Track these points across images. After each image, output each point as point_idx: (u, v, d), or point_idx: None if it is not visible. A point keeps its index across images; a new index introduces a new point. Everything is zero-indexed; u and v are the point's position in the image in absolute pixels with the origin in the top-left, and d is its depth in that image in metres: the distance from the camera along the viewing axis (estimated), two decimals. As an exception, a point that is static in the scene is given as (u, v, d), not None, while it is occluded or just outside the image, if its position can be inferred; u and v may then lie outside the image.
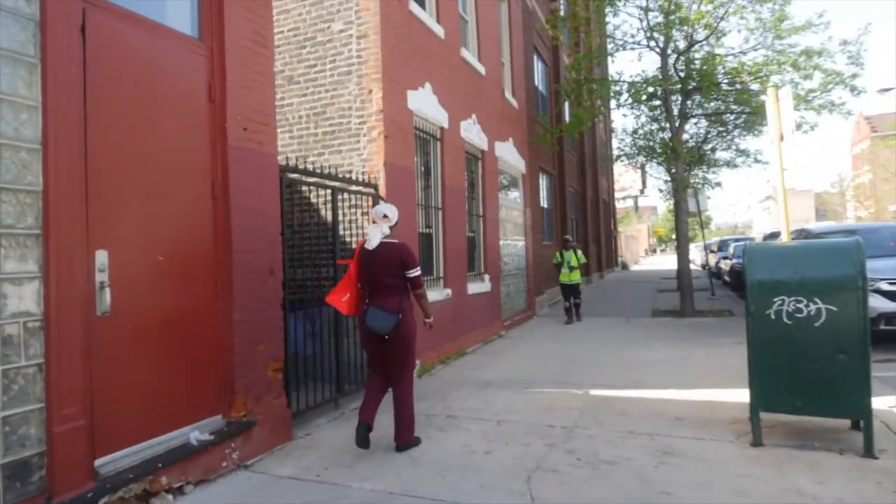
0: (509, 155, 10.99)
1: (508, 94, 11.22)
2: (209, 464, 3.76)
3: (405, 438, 4.24)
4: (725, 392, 5.58)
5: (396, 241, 4.30)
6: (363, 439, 4.09)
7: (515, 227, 11.57)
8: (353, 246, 6.32)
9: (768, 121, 5.63)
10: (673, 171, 12.85)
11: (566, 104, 15.76)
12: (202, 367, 3.92)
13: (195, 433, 3.76)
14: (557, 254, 11.49)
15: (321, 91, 6.60)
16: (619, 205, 50.86)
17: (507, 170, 11.22)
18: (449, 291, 7.78)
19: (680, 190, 12.20)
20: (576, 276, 11.14)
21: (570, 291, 11.15)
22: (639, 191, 52.13)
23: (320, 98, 6.61)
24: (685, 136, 14.70)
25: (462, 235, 8.45)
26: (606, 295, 17.52)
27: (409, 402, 4.27)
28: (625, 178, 48.35)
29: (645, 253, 65.44)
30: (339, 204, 6.27)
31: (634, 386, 6.00)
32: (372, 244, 4.17)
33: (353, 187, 5.99)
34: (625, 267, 35.90)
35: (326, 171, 5.58)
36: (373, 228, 4.26)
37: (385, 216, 4.27)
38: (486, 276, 9.48)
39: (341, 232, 6.39)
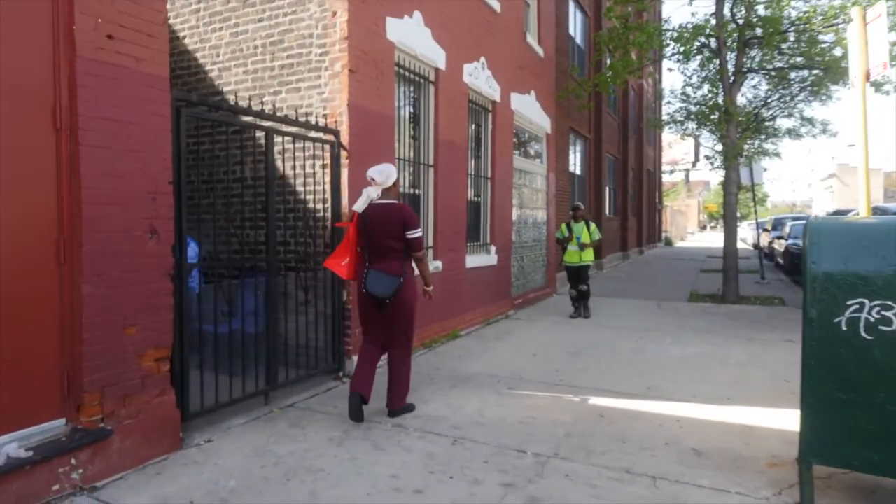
0: (530, 110, 9.58)
1: (532, 40, 9.74)
2: (28, 488, 2.77)
3: (396, 403, 4.14)
4: (766, 412, 4.27)
5: (395, 201, 4.09)
6: (356, 410, 3.97)
7: (535, 194, 10.22)
8: (307, 205, 5.20)
9: (851, 52, 4.14)
10: (724, 135, 11.15)
11: (607, 59, 14.07)
12: (35, 356, 2.90)
13: (11, 446, 2.77)
14: (563, 226, 8.70)
15: (279, 14, 5.41)
16: (668, 178, 48.27)
17: (527, 127, 9.83)
18: (439, 264, 6.60)
19: (731, 158, 10.55)
20: (588, 257, 8.48)
21: (578, 276, 8.51)
22: (690, 163, 49.35)
23: (278, 23, 5.42)
24: (741, 100, 12.89)
25: (461, 199, 7.21)
26: (642, 273, 16.00)
27: (405, 367, 4.16)
28: (676, 149, 45.68)
29: (697, 229, 62.38)
30: (287, 152, 5.16)
31: (648, 395, 4.74)
32: (358, 206, 4.05)
33: (300, 131, 4.84)
34: (669, 243, 33.85)
35: (261, 108, 4.43)
36: (366, 191, 4.09)
37: (373, 179, 4.06)
38: (493, 248, 8.25)
39: (297, 187, 5.28)
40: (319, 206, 5.18)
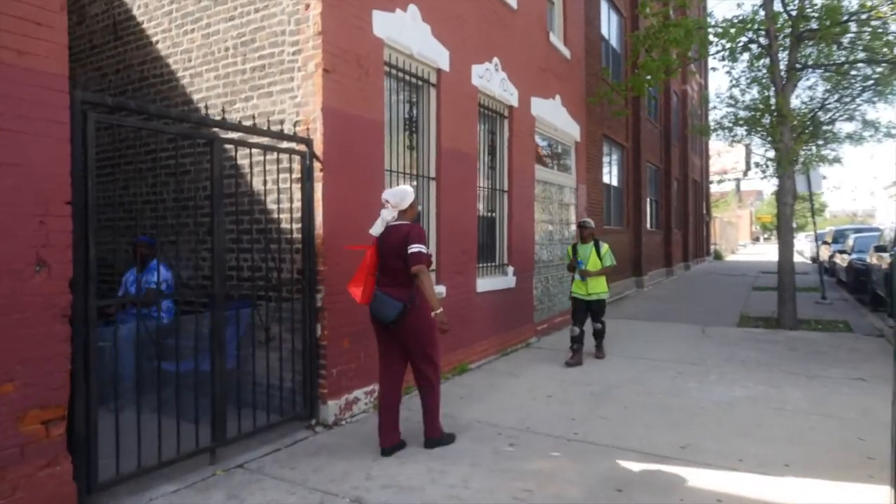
0: (554, 116, 8.73)
1: (556, 40, 8.91)
2: None
3: (431, 433, 4.05)
4: (838, 489, 3.29)
5: (407, 222, 3.90)
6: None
7: (562, 209, 9.33)
8: (279, 225, 4.54)
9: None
10: (776, 139, 10.00)
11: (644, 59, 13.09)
12: None
13: None
14: (569, 249, 7.01)
15: (250, 11, 4.79)
16: (717, 188, 46.16)
17: (552, 135, 8.98)
18: (442, 289, 5.82)
19: (785, 165, 9.41)
20: (598, 288, 6.75)
21: (586, 311, 6.75)
22: (741, 172, 47.01)
23: (250, 20, 4.80)
24: (795, 102, 11.71)
25: (470, 215, 6.42)
26: (686, 291, 14.76)
27: (432, 396, 4.03)
28: (726, 158, 43.63)
29: (749, 241, 59.51)
30: (258, 165, 4.53)
31: (683, 458, 3.81)
32: (374, 230, 3.94)
33: (263, 140, 4.18)
34: (718, 257, 32.01)
35: (214, 116, 3.79)
36: (382, 214, 3.93)
37: (387, 201, 3.90)
38: (510, 269, 7.40)
39: (269, 204, 4.62)
40: (291, 225, 4.50)
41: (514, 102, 7.40)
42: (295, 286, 4.39)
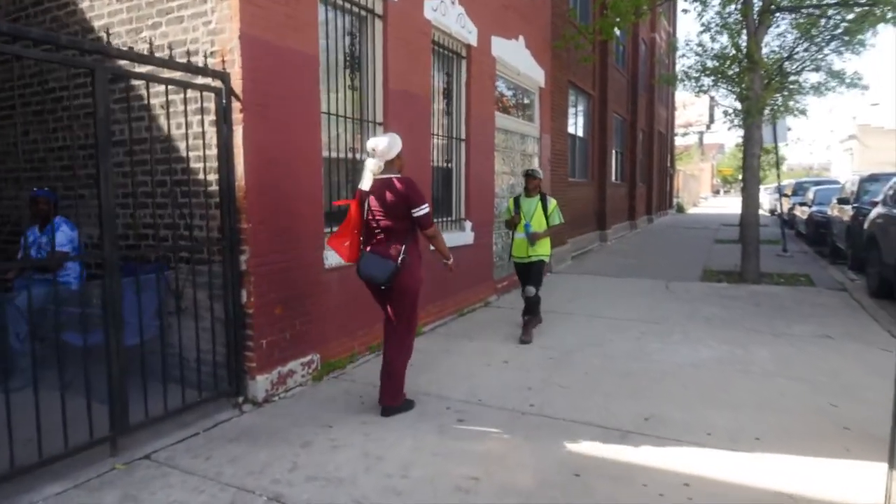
0: (517, 58, 8.11)
1: (520, -26, 8.20)
2: None
3: (389, 400, 3.77)
4: (813, 465, 3.00)
5: (397, 175, 3.67)
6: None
7: (524, 159, 8.82)
8: (194, 176, 3.93)
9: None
10: (745, 87, 9.62)
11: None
12: None
13: None
14: (510, 202, 5.96)
15: (153, -82, 4.01)
16: (680, 141, 46.29)
17: (514, 79, 8.37)
18: (391, 247, 5.30)
19: (753, 113, 9.05)
20: (541, 250, 5.74)
21: (527, 276, 5.82)
22: (705, 125, 47.09)
23: (152, -70, 4.02)
24: (763, 51, 11.32)
25: (422, 165, 5.86)
26: (650, 245, 14.61)
27: (403, 358, 3.80)
28: (690, 110, 43.56)
29: (710, 194, 60.38)
30: (172, 106, 3.88)
31: (646, 431, 3.48)
32: (364, 183, 3.66)
33: (163, 73, 3.52)
34: (681, 209, 32.25)
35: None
36: (366, 164, 3.67)
37: (373, 150, 3.64)
38: (468, 224, 6.92)
39: (185, 152, 3.99)
40: (207, 176, 3.88)
41: (473, 41, 6.75)
42: (215, 247, 3.82)
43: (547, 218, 5.75)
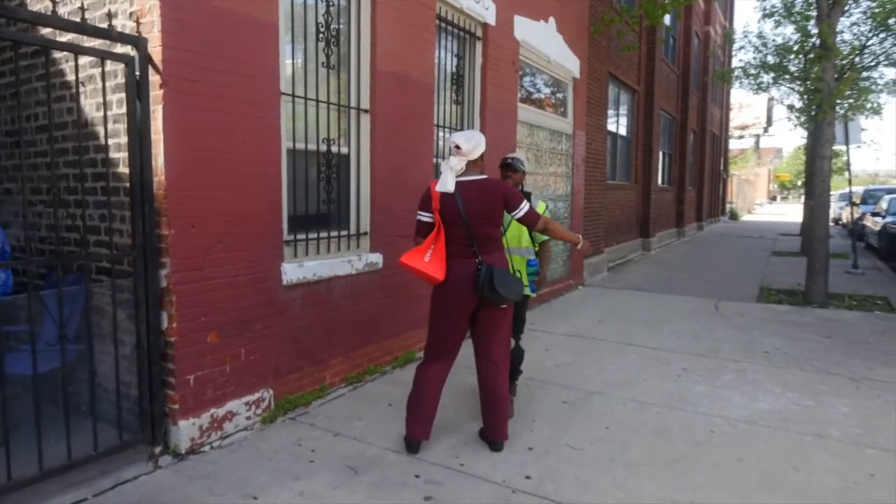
0: (546, 43, 7.12)
1: (552, -54, 7.20)
2: None
3: (504, 431, 3.29)
4: None
5: (485, 176, 3.18)
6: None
7: (553, 158, 7.81)
8: (113, 168, 3.15)
9: None
10: (815, 78, 8.34)
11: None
12: None
13: None
14: None
15: None
16: (736, 144, 43.96)
17: (542, 67, 7.38)
18: (376, 258, 4.44)
19: (825, 107, 7.77)
20: (525, 280, 3.60)
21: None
22: (762, 128, 44.49)
23: None
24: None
25: (423, 163, 4.96)
26: (698, 255, 13.27)
27: (507, 387, 3.29)
28: (746, 113, 41.28)
29: (766, 201, 57.30)
30: (91, 82, 3.08)
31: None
32: (445, 186, 3.06)
33: (59, 36, 2.74)
34: (734, 216, 30.28)
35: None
36: (444, 165, 3.11)
37: (457, 147, 3.09)
38: (481, 231, 5.97)
39: (105, 137, 3.22)
40: (125, 169, 3.09)
41: (490, 19, 5.80)
42: (127, 257, 3.02)
43: (532, 230, 3.41)
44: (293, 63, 3.76)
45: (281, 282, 3.65)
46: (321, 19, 3.99)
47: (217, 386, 3.31)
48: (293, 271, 3.69)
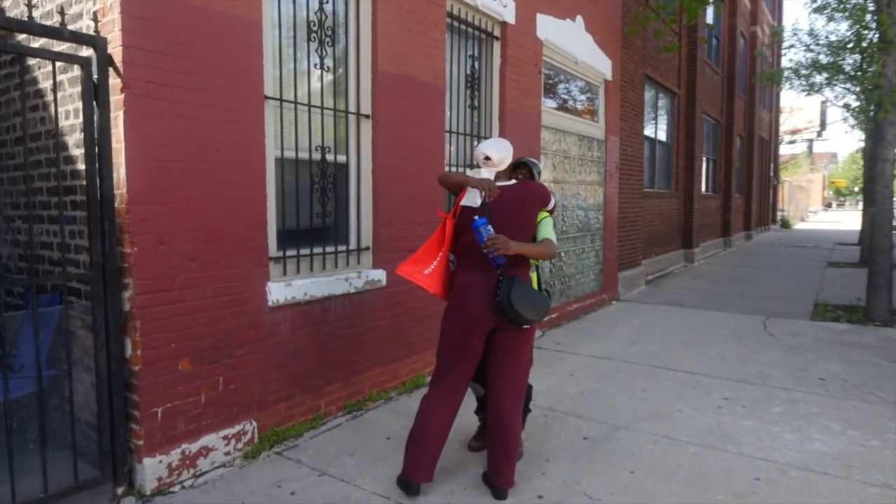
0: (572, 43, 6.68)
1: (578, -59, 6.78)
2: None
3: (510, 478, 2.85)
4: None
5: (526, 181, 2.96)
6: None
7: (583, 165, 7.33)
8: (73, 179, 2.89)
9: None
10: (875, 74, 7.62)
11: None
12: None
13: None
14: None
15: None
16: (786, 149, 42.18)
17: (570, 69, 6.93)
18: (378, 275, 4.09)
19: (887, 105, 7.05)
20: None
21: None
22: (815, 132, 42.44)
23: None
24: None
25: (434, 169, 4.59)
26: (746, 267, 12.44)
27: (519, 427, 2.87)
28: (797, 117, 39.54)
29: (821, 208, 54.69)
30: (63, 87, 2.88)
31: None
32: (474, 201, 2.75)
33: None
34: (786, 225, 28.82)
35: None
36: (479, 174, 2.85)
37: (487, 158, 2.83)
38: (501, 244, 5.55)
39: (71, 148, 2.99)
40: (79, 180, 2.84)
41: (509, 17, 5.42)
42: (89, 276, 2.75)
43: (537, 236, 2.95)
44: (280, 64, 3.46)
45: (266, 302, 3.33)
46: (313, 17, 3.69)
47: (190, 418, 3.00)
48: (280, 291, 3.37)
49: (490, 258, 2.64)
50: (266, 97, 3.32)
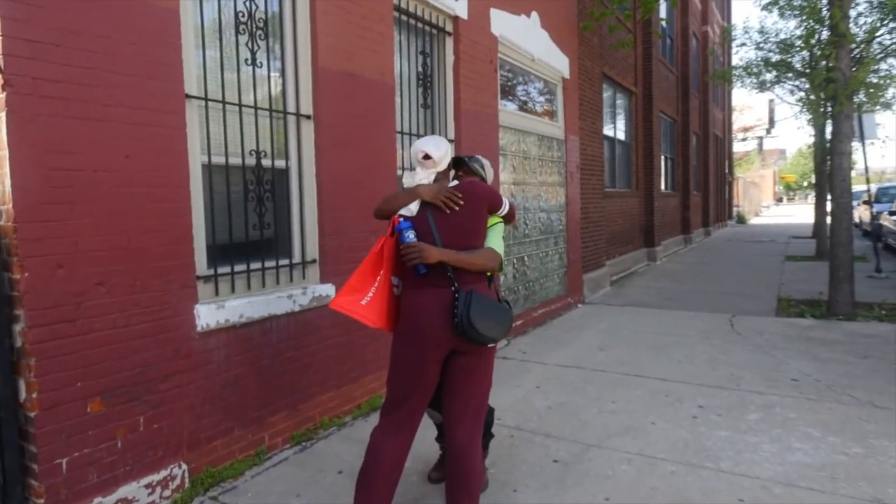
0: (528, 40, 6.46)
1: (531, -66, 6.56)
2: None
3: None
4: None
5: (463, 180, 2.60)
6: None
7: (544, 165, 7.11)
8: None
9: None
10: (829, 67, 7.64)
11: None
12: None
13: None
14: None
15: None
16: (739, 147, 43.41)
17: (526, 66, 6.71)
18: (327, 290, 3.73)
19: (842, 98, 7.05)
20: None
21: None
22: (765, 130, 43.76)
23: None
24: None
25: (383, 177, 4.26)
26: (707, 264, 12.49)
27: (480, 460, 2.49)
28: (748, 115, 40.72)
29: (773, 202, 56.45)
30: None
31: None
32: (409, 210, 2.38)
33: None
34: (741, 220, 29.48)
35: None
36: (414, 177, 2.48)
37: (427, 157, 2.45)
38: (460, 251, 5.26)
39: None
40: (-34, 197, 2.41)
41: (462, 12, 5.14)
42: (-30, 311, 2.32)
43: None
44: (204, 60, 3.09)
45: (194, 328, 2.94)
46: (242, 7, 3.33)
47: (104, 467, 2.59)
48: (210, 314, 2.99)
49: (412, 267, 2.31)
50: (188, 96, 2.94)
